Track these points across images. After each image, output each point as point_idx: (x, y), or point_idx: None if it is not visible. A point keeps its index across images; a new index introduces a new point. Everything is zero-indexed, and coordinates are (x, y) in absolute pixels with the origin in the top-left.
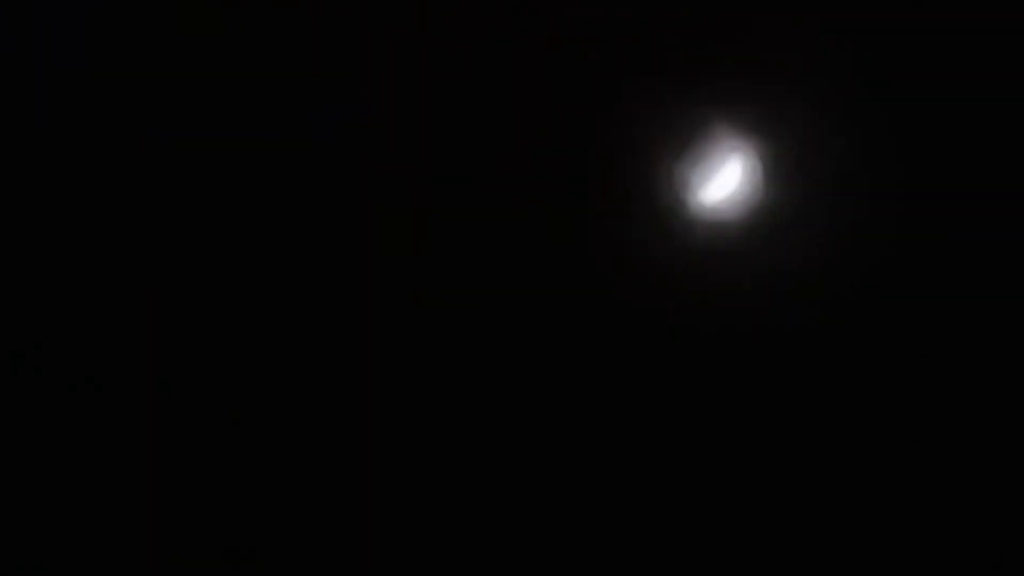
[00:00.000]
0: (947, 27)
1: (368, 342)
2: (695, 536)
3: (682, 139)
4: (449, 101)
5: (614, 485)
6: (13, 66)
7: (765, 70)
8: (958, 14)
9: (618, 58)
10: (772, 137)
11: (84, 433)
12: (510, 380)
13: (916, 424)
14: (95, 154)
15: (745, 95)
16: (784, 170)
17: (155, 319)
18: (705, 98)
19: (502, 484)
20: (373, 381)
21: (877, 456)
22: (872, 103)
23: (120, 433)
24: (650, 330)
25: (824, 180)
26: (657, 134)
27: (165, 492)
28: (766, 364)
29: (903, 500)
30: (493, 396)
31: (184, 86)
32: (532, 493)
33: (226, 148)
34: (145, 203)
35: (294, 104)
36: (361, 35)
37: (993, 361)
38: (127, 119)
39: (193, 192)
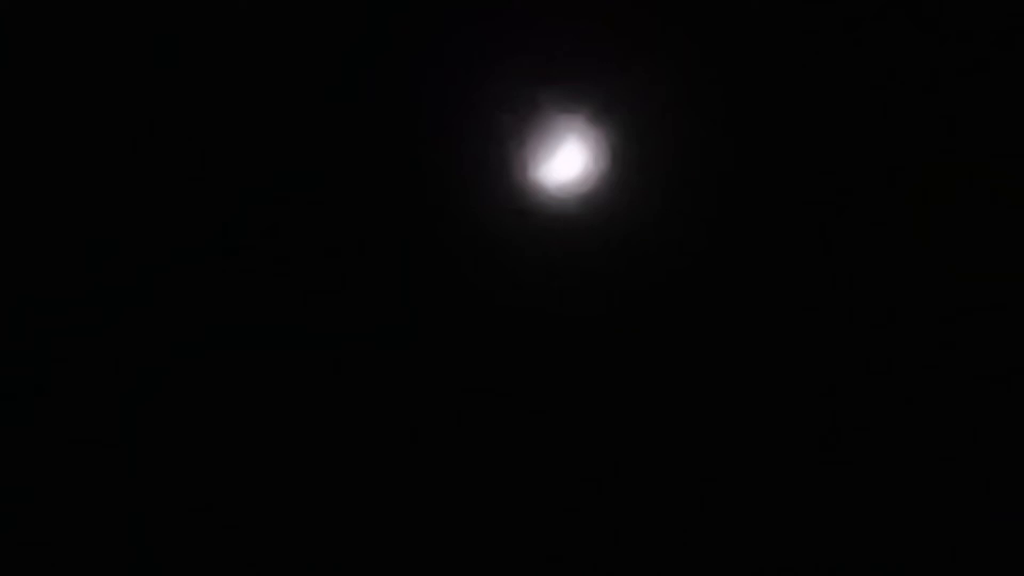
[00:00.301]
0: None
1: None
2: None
3: (527, 121)
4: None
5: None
6: (13, 66)
7: (613, 52)
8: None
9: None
10: (617, 120)
11: (81, 433)
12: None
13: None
14: (95, 154)
15: (590, 75)
16: (629, 152)
17: (155, 318)
18: (551, 81)
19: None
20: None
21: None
22: (720, 85)
23: (119, 433)
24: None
25: (670, 163)
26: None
27: (164, 492)
28: (612, 343)
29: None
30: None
31: (184, 86)
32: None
33: (226, 148)
34: (144, 203)
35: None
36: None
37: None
38: (127, 119)
39: (192, 192)
